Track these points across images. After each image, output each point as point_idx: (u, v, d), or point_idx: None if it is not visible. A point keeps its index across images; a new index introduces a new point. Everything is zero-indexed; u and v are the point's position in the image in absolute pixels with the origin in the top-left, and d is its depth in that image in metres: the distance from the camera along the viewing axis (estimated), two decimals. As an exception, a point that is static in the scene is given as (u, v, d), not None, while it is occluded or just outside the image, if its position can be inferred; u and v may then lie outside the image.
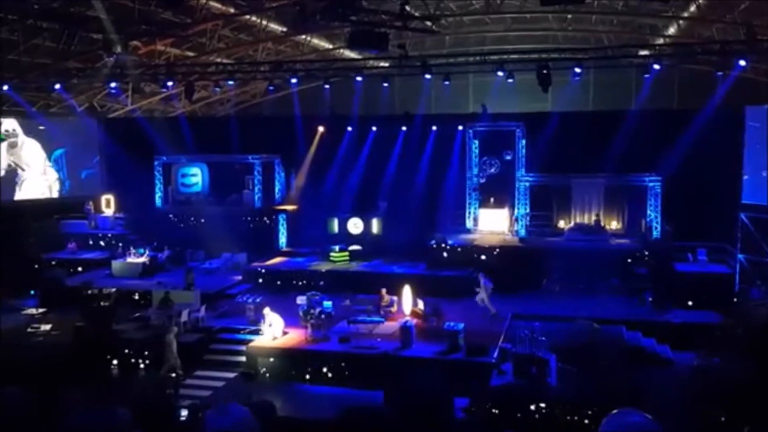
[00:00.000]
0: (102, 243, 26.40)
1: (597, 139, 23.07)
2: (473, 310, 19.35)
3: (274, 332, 17.31)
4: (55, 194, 23.46)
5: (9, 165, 19.39)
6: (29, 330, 19.23)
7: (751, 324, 17.21)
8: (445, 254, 22.91)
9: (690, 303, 19.59)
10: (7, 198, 20.04)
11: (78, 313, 19.38)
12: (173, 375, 15.87)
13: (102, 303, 20.60)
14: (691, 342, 16.92)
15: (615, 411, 2.94)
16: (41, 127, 21.16)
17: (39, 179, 21.30)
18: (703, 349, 16.22)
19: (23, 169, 20.66)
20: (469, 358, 15.58)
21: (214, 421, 4.02)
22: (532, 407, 13.75)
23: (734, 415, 12.45)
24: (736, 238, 20.87)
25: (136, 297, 21.29)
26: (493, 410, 13.80)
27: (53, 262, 24.61)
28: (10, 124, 20.16)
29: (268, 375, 16.59)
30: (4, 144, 19.97)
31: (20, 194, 20.93)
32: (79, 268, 24.50)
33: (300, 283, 22.21)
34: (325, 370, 16.26)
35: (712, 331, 17.13)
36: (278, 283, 22.79)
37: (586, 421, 13.00)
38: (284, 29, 25.57)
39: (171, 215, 26.88)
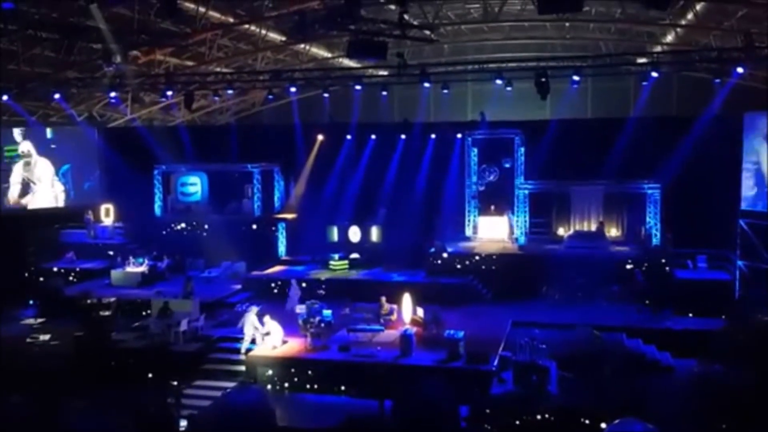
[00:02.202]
0: (101, 252, 26.38)
1: (596, 147, 23.11)
2: (473, 317, 19.34)
3: (274, 341, 17.28)
4: (61, 203, 25.50)
5: (23, 179, 23.36)
6: (28, 340, 19.19)
7: (752, 331, 17.19)
8: (444, 262, 22.90)
9: (690, 310, 19.58)
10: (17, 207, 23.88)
11: (77, 322, 19.34)
12: (174, 383, 15.84)
13: (101, 312, 20.57)
14: (692, 349, 16.90)
15: (617, 421, 2.93)
16: (52, 146, 24.59)
17: (48, 191, 24.62)
18: (704, 356, 16.21)
19: (35, 183, 24.02)
20: (469, 366, 15.53)
21: (236, 397, 4.05)
22: (533, 416, 13.70)
23: (735, 422, 12.42)
24: (736, 245, 20.88)
25: (136, 306, 21.25)
26: (494, 419, 13.75)
27: (54, 271, 24.61)
28: (26, 146, 23.73)
29: (269, 384, 16.54)
30: (21, 162, 23.56)
31: (32, 204, 24.34)
32: (78, 278, 24.48)
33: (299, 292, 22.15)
34: (324, 378, 16.22)
35: (713, 338, 17.11)
36: (276, 291, 22.71)
37: (588, 430, 12.95)
38: (283, 38, 25.65)
39: (170, 224, 26.88)
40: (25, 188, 24.00)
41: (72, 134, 27.28)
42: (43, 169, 24.83)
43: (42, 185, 24.69)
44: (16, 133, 25.59)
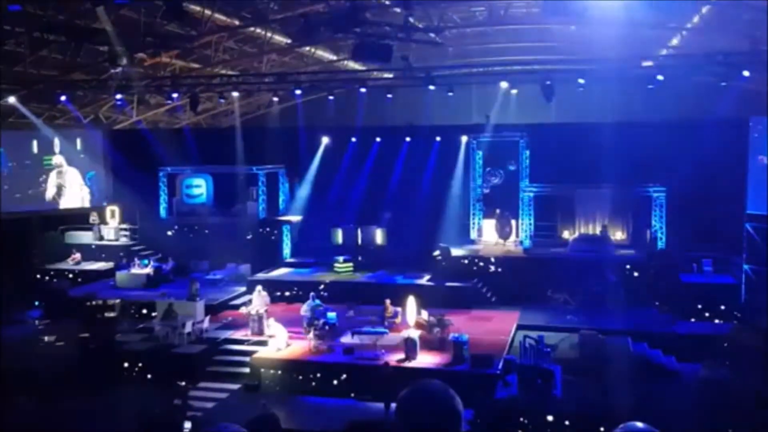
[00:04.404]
0: (106, 254, 26.46)
1: (601, 150, 23.00)
2: (478, 321, 19.31)
3: (278, 343, 17.28)
4: (87, 205, 28.87)
5: (57, 184, 28.27)
6: (34, 341, 19.24)
7: (758, 335, 17.11)
8: (449, 265, 22.86)
9: (696, 314, 19.52)
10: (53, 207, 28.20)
11: (82, 324, 19.39)
12: (182, 383, 15.85)
13: (106, 314, 20.61)
14: (698, 353, 16.83)
15: (621, 425, 2.92)
16: (81, 156, 28.69)
17: (77, 194, 28.75)
18: (710, 360, 16.14)
19: (65, 187, 28.43)
20: (473, 370, 15.52)
21: None
22: (537, 420, 13.66)
23: (741, 426, 12.36)
24: (742, 249, 20.80)
25: (141, 308, 21.30)
26: (498, 422, 13.72)
27: (59, 272, 24.70)
28: (58, 158, 28.15)
29: (273, 387, 16.53)
30: (55, 171, 28.15)
31: (63, 205, 28.50)
32: (83, 279, 24.56)
33: (303, 293, 22.12)
34: (328, 381, 16.21)
35: (719, 342, 17.05)
36: (281, 293, 22.69)
37: (592, 434, 12.91)
38: (289, 41, 25.68)
39: (175, 226, 26.95)
40: (59, 191, 28.38)
41: (95, 146, 29.18)
42: (72, 176, 28.74)
43: (72, 189, 28.73)
44: (56, 144, 28.49)
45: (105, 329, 18.79)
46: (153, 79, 24.57)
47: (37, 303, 22.35)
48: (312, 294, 19.69)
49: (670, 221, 22.68)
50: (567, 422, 13.53)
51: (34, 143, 27.84)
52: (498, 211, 25.13)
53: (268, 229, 26.64)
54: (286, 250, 26.54)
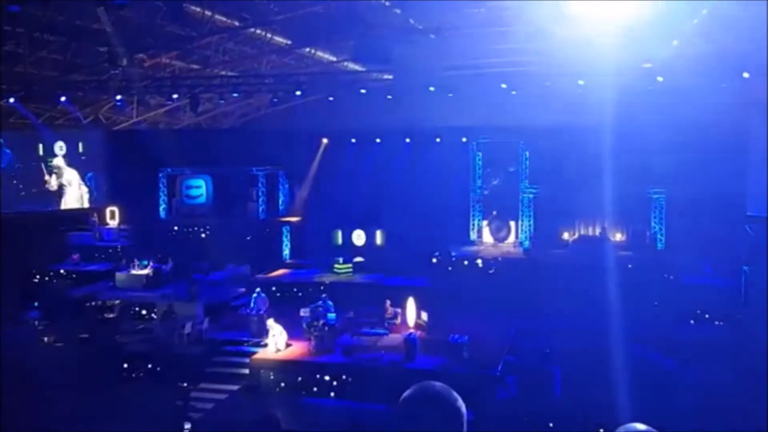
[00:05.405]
0: (106, 255, 26.48)
1: (600, 151, 23.05)
2: (477, 322, 19.30)
3: (278, 344, 17.28)
4: (86, 204, 29.33)
5: (58, 184, 28.84)
6: (33, 342, 19.24)
7: (758, 337, 17.10)
8: (448, 266, 22.88)
9: (696, 315, 19.52)
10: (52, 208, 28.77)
11: (82, 324, 19.39)
12: (184, 384, 15.83)
13: (106, 315, 20.61)
14: (697, 355, 16.83)
15: (621, 427, 2.92)
16: (83, 157, 29.30)
17: (76, 193, 29.20)
18: (709, 362, 16.13)
19: (65, 186, 29.02)
20: (473, 371, 15.52)
21: None
22: (537, 421, 13.67)
23: (740, 429, 12.37)
24: (742, 250, 20.79)
25: (140, 309, 21.30)
26: (498, 424, 13.71)
27: (59, 273, 24.71)
28: (58, 161, 28.60)
29: (273, 388, 16.53)
30: (54, 173, 28.78)
31: (64, 205, 29.08)
32: (83, 280, 24.57)
33: (302, 294, 22.16)
34: (328, 382, 16.21)
35: (718, 344, 17.04)
36: (282, 294, 22.70)
37: (592, 435, 12.90)
38: (288, 42, 25.68)
39: (175, 227, 26.95)
40: (60, 191, 28.99)
41: (95, 146, 29.48)
42: (71, 177, 29.37)
43: (71, 188, 29.30)
44: (57, 147, 28.95)
45: (105, 330, 18.80)
46: (153, 80, 24.58)
47: (36, 304, 22.37)
48: (324, 296, 19.57)
49: (669, 223, 22.70)
50: (567, 424, 13.52)
51: (40, 145, 28.24)
52: (494, 213, 25.13)
53: (267, 230, 26.65)
54: (286, 251, 26.54)
